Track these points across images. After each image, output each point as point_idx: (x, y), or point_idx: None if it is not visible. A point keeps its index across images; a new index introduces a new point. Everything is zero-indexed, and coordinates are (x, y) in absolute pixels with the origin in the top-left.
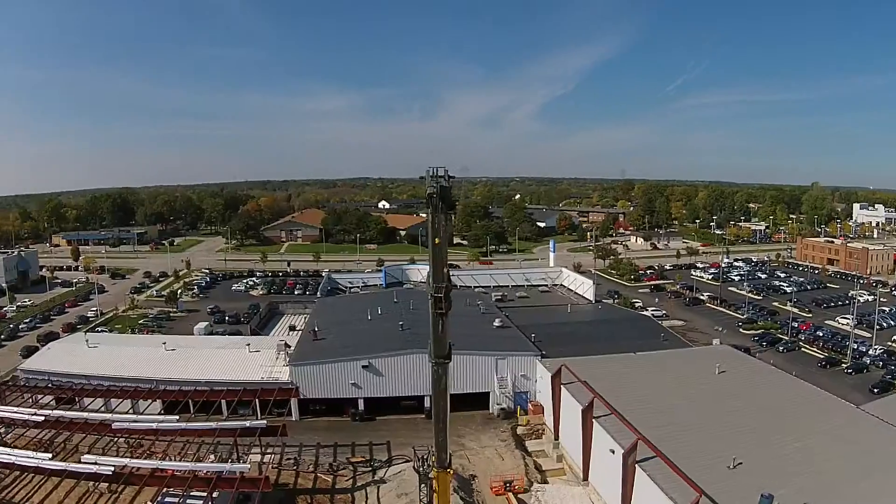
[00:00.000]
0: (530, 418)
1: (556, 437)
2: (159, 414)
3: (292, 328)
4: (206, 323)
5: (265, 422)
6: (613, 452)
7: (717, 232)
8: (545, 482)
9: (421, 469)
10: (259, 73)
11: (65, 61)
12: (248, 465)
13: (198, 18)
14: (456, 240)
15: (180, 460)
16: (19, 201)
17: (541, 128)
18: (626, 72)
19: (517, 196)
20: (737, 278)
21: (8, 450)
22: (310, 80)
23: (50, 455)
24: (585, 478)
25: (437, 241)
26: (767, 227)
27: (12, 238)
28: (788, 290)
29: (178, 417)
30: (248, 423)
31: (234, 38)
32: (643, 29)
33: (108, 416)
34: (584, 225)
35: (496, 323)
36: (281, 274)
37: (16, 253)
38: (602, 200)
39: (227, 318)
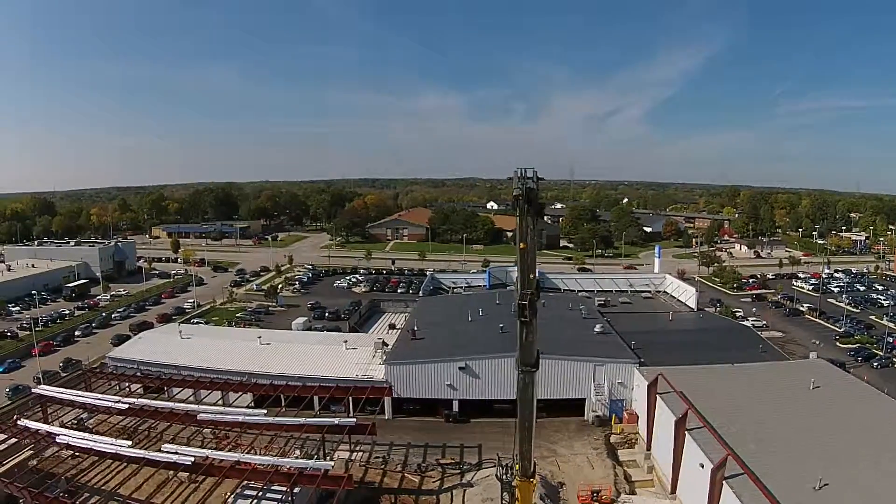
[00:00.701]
0: (624, 427)
1: (649, 448)
2: (248, 407)
3: (392, 326)
4: (305, 318)
5: (354, 419)
6: (703, 467)
7: (819, 241)
8: (633, 493)
9: (504, 477)
10: (369, 71)
11: (175, 60)
12: (332, 463)
13: (308, 17)
14: (562, 242)
15: (265, 454)
16: (121, 193)
17: (648, 131)
18: (731, 75)
19: (625, 200)
20: (836, 290)
21: (87, 435)
22: (419, 79)
23: (130, 442)
24: (673, 491)
25: (522, 245)
26: (868, 238)
27: (110, 229)
28: (885, 303)
29: (265, 411)
30: (336, 420)
31: (345, 38)
32: (746, 32)
33: (194, 406)
34: (690, 231)
35: (597, 328)
36: (385, 272)
37: (112, 243)
38: (708, 206)
39: (326, 314)
